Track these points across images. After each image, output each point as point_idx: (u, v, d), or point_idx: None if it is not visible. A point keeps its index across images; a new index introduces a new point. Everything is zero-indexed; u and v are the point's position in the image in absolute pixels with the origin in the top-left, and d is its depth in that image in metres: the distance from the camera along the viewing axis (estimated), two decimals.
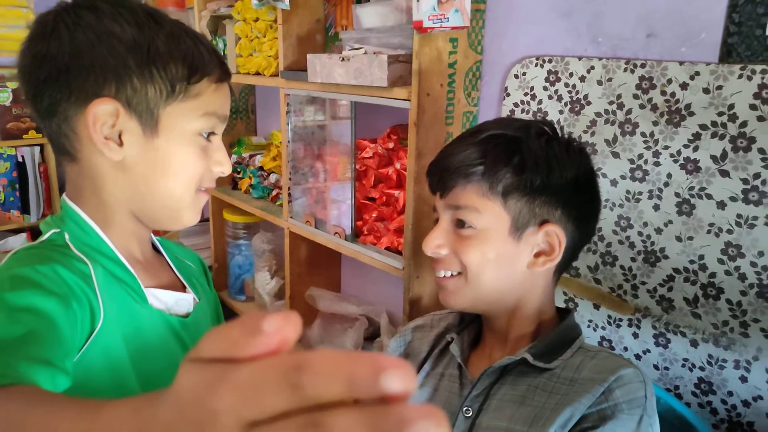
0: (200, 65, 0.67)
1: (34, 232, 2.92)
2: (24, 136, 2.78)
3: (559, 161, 0.74)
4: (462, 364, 0.81)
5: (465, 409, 0.75)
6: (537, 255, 0.75)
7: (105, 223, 0.69)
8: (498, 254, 0.74)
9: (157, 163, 0.67)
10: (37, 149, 2.84)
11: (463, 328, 0.86)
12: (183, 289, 0.78)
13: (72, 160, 0.68)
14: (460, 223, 0.76)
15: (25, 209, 2.89)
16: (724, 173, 0.92)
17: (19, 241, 2.90)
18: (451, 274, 0.78)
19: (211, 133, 0.71)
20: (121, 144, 0.65)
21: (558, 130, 0.78)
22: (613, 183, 1.06)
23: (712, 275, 0.96)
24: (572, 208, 0.75)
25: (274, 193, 1.79)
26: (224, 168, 0.72)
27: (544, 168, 0.73)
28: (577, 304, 1.16)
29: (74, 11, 0.64)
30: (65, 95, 0.64)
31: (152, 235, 0.79)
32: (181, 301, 0.75)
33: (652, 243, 1.02)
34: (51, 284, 0.59)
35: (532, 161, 0.73)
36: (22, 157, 2.81)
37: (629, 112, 1.02)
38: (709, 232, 0.95)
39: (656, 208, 1.01)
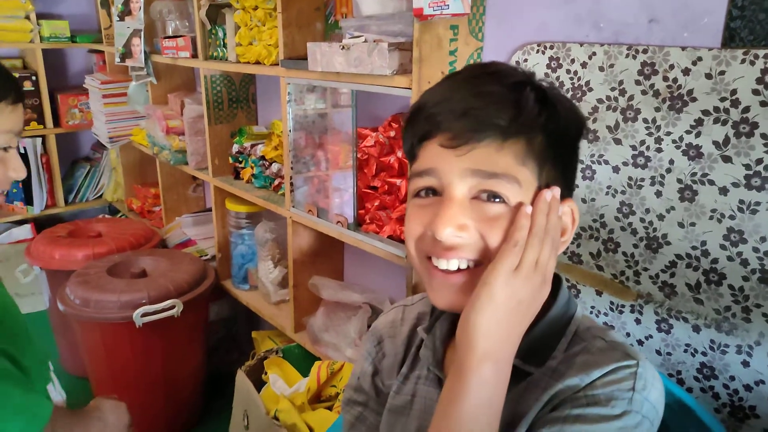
0: None
1: (38, 224, 2.93)
2: (25, 127, 2.77)
3: (572, 122, 0.63)
4: (437, 371, 0.69)
5: None
6: None
7: None
8: None
9: None
10: (39, 140, 2.85)
11: (436, 318, 0.73)
12: None
13: None
14: (486, 197, 0.59)
15: (28, 201, 2.91)
16: (727, 159, 0.92)
17: (23, 233, 2.92)
18: (467, 266, 0.61)
19: (8, 147, 0.82)
20: None
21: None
22: (615, 169, 1.06)
23: (714, 261, 0.96)
24: (571, 176, 0.66)
25: (276, 182, 1.79)
26: (20, 174, 0.85)
27: (569, 128, 0.62)
28: (579, 291, 1.16)
29: None
30: None
31: None
32: None
33: (655, 229, 1.02)
34: None
35: (562, 119, 0.60)
36: (24, 148, 2.82)
37: (631, 98, 1.01)
38: (711, 218, 0.95)
39: (658, 194, 1.01)
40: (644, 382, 0.58)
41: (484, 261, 0.60)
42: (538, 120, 0.58)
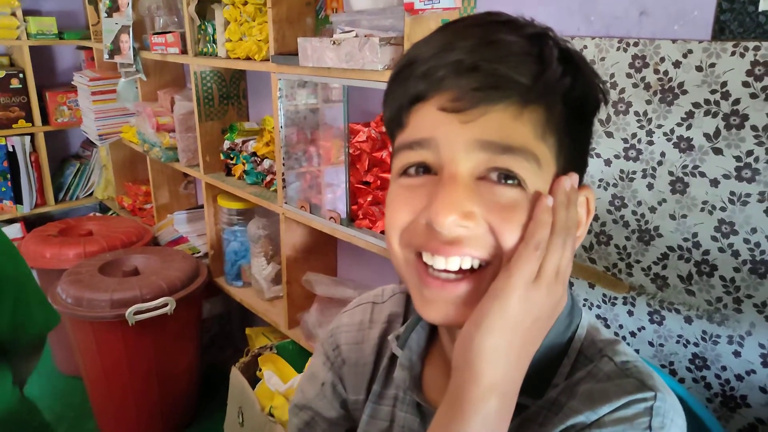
0: None
1: (28, 223, 2.90)
2: (14, 126, 2.76)
3: (594, 90, 0.50)
4: (415, 396, 0.59)
5: None
6: None
7: None
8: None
9: None
10: (28, 138, 2.82)
11: (411, 328, 0.62)
12: None
13: None
14: (497, 176, 0.46)
15: (17, 199, 2.88)
16: (717, 151, 0.92)
17: (13, 232, 2.89)
18: (471, 267, 0.48)
19: None
20: None
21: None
22: (607, 163, 1.06)
23: (706, 252, 0.97)
24: (586, 158, 0.55)
25: (268, 178, 1.79)
26: None
27: (590, 98, 0.50)
28: (572, 284, 1.17)
29: None
30: None
31: None
32: None
33: (646, 222, 1.03)
34: None
35: (587, 86, 0.49)
36: (12, 146, 2.79)
37: (622, 91, 1.02)
38: (702, 209, 0.96)
39: (650, 186, 1.01)
40: (662, 419, 0.47)
41: (493, 261, 0.48)
42: (561, 83, 0.46)
